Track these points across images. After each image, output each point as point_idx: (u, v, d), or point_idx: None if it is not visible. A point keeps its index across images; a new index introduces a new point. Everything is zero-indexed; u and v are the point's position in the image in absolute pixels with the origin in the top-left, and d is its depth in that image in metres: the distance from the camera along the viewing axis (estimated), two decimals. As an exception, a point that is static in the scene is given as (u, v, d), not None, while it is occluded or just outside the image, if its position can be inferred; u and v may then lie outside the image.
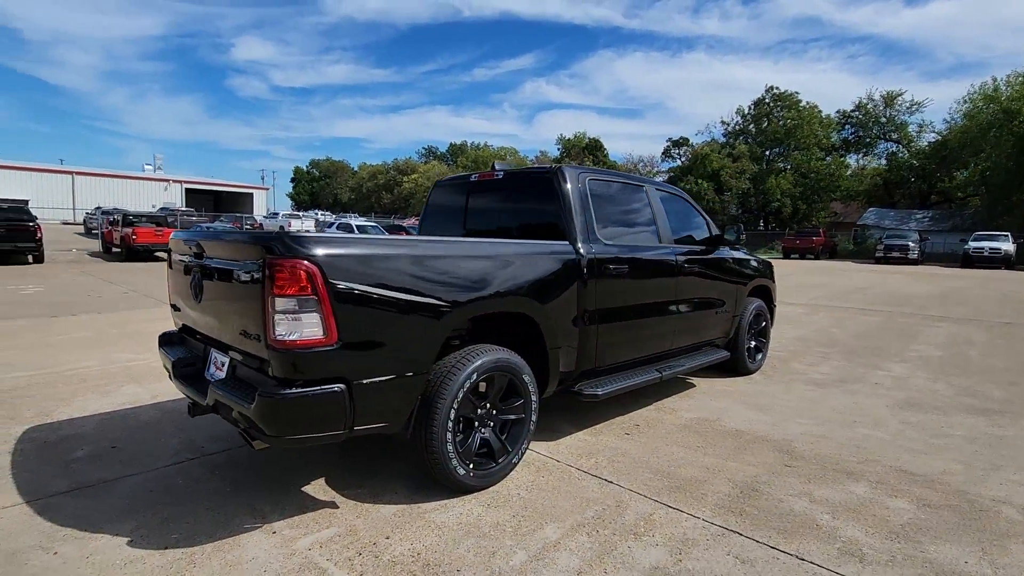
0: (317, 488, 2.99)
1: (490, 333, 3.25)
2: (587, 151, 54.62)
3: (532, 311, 3.18)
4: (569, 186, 3.64)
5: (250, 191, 57.18)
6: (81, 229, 32.93)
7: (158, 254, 19.86)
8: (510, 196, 4.08)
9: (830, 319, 9.30)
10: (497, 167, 4.09)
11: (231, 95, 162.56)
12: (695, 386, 5.10)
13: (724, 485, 3.11)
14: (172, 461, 3.28)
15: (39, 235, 17.67)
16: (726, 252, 5.06)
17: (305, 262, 2.26)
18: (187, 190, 51.84)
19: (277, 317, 2.25)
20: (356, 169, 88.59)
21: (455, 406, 2.75)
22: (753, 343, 5.60)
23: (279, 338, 2.26)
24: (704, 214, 5.04)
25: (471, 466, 2.90)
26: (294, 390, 2.28)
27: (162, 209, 37.30)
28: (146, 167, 57.83)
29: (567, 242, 3.52)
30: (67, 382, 4.80)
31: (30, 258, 17.67)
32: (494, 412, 3.06)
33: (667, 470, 3.29)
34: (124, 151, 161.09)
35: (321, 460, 3.34)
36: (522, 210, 3.97)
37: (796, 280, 17.10)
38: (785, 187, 41.71)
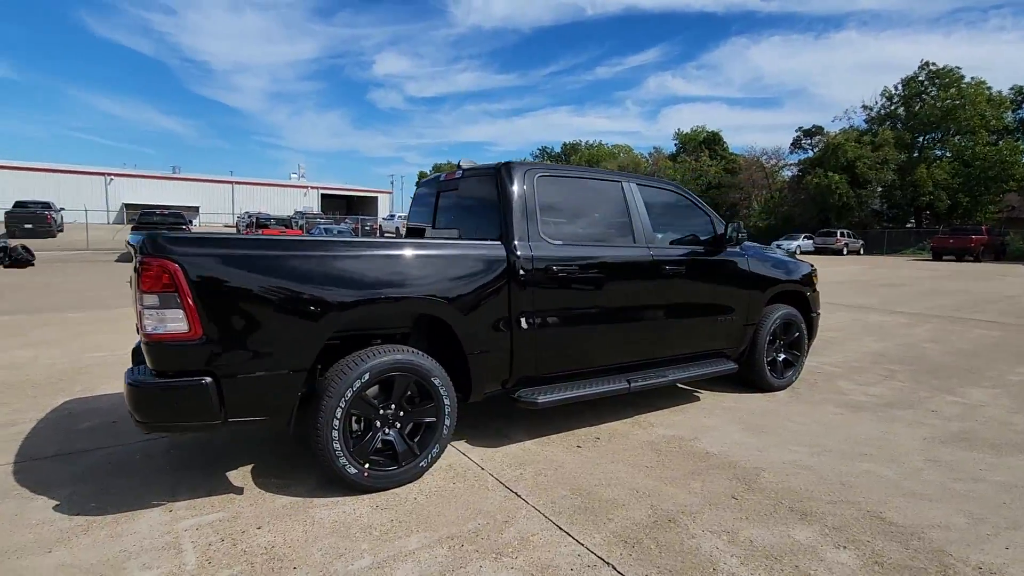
0: (239, 475, 3.18)
1: (413, 335, 3.24)
2: (704, 144, 51.59)
3: (445, 314, 3.11)
4: (513, 185, 3.50)
5: (376, 195, 61.91)
6: (235, 231, 37.95)
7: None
8: (466, 195, 4.02)
9: (933, 332, 7.91)
10: (463, 165, 4.04)
11: (371, 107, 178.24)
12: (698, 400, 4.64)
13: (641, 512, 2.80)
14: (144, 439, 3.67)
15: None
16: (734, 253, 4.53)
17: (167, 261, 2.43)
18: (323, 195, 57.48)
19: (145, 312, 2.44)
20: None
21: (342, 405, 2.78)
22: (781, 356, 4.95)
23: (148, 332, 2.45)
24: (711, 212, 4.55)
25: (366, 466, 2.90)
26: (157, 380, 2.46)
27: (297, 213, 41.78)
28: (291, 175, 64.94)
29: (500, 243, 3.38)
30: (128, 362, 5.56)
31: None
32: (401, 414, 3.04)
33: (590, 489, 3.04)
34: (282, 162, 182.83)
35: (265, 449, 3.54)
36: (474, 208, 3.89)
37: (928, 286, 14.78)
38: (940, 177, 36.06)
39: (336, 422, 2.77)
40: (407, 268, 3.01)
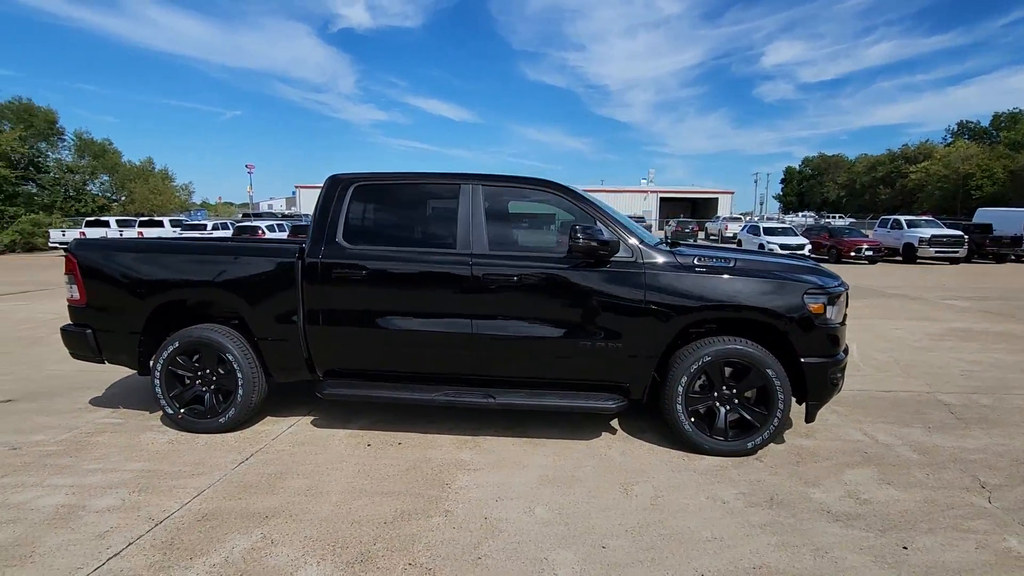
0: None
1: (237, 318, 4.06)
2: None
3: (236, 304, 3.84)
4: (324, 192, 3.90)
5: (716, 196, 59.53)
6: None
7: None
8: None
9: None
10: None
11: (756, 103, 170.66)
12: (590, 440, 3.85)
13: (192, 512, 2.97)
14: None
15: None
16: (630, 264, 3.57)
17: (70, 254, 3.99)
18: (662, 199, 58.76)
19: (65, 286, 4.08)
20: (854, 162, 77.46)
21: (162, 362, 3.87)
22: (723, 410, 3.58)
23: (67, 298, 4.09)
24: (604, 216, 3.70)
25: (182, 410, 3.92)
26: (66, 327, 4.07)
27: (633, 217, 43.98)
28: (642, 181, 68.63)
29: (298, 245, 3.85)
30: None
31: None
32: (212, 377, 3.93)
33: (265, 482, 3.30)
34: (666, 168, 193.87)
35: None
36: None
37: None
38: None
39: (157, 374, 3.89)
40: (214, 265, 3.87)
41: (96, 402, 4.60)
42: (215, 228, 26.80)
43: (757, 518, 2.85)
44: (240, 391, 3.87)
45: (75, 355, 4.18)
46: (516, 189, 3.92)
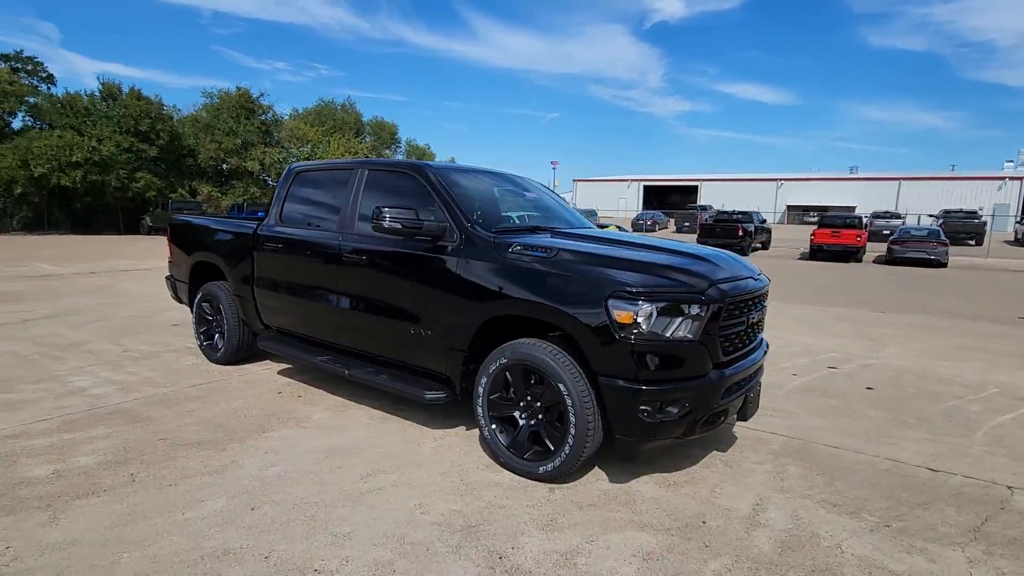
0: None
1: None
2: None
3: (221, 266, 4.94)
4: (282, 179, 4.69)
5: None
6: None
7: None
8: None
9: None
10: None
11: None
12: (437, 429, 3.77)
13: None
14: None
15: (741, 233, 22.71)
16: (454, 250, 3.37)
17: (170, 227, 5.71)
18: (1035, 188, 42.96)
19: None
20: None
21: (195, 306, 5.30)
22: (525, 423, 3.10)
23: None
24: (445, 200, 3.53)
25: (205, 343, 5.29)
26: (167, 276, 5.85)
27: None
28: (1006, 164, 51.96)
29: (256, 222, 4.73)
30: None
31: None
32: (217, 320, 5.17)
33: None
34: None
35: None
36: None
37: None
38: None
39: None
40: (210, 235, 5.07)
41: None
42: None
43: (442, 546, 2.52)
44: (225, 336, 5.01)
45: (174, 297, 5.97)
46: (391, 173, 4.03)
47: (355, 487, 2.95)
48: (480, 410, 3.24)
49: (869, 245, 22.48)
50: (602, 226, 24.30)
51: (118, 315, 7.37)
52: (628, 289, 2.73)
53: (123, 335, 6.25)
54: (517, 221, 4.01)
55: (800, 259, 21.72)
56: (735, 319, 2.98)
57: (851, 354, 6.18)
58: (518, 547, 2.45)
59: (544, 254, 3.10)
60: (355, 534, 2.52)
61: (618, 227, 25.05)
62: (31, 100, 28.71)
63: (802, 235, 27.72)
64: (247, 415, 3.94)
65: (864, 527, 2.68)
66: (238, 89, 33.02)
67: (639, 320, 2.68)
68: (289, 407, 4.12)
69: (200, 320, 5.29)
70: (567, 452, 2.90)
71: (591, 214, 33.71)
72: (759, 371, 3.40)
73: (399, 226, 3.37)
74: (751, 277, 3.22)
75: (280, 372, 4.99)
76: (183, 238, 5.48)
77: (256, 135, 32.97)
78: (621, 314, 2.70)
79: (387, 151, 45.27)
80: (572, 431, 2.86)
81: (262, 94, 34.04)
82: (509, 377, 3.11)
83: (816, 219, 28.66)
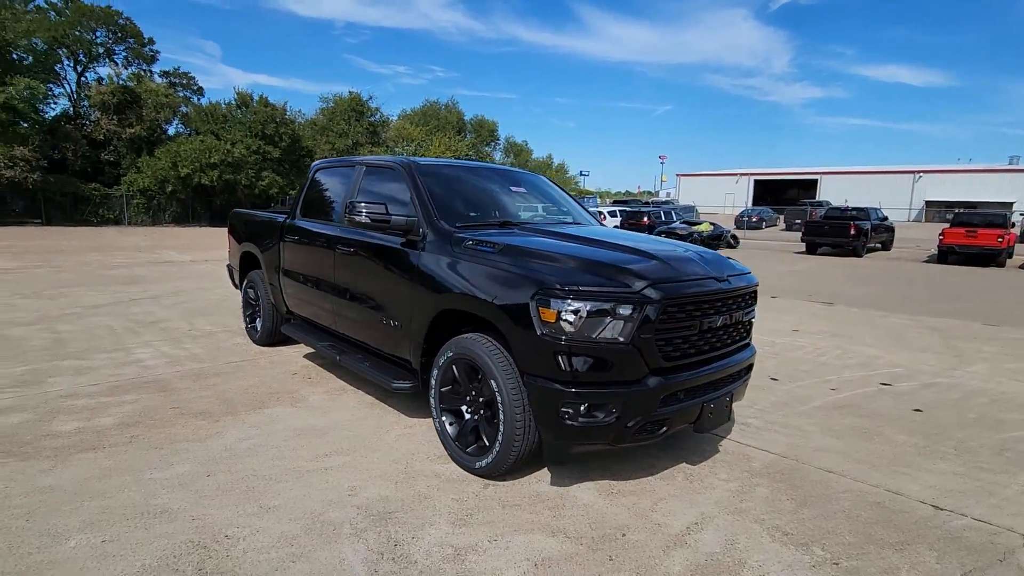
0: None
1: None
2: None
3: (257, 255, 5.41)
4: (308, 174, 5.05)
5: None
6: None
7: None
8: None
9: None
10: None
11: None
12: (415, 418, 3.89)
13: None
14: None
15: (853, 231, 20.52)
16: (410, 244, 3.46)
17: (229, 227, 6.37)
18: None
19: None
20: None
21: (243, 288, 5.87)
22: (470, 416, 3.11)
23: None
24: (416, 195, 3.62)
25: (249, 325, 5.85)
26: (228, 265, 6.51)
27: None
28: None
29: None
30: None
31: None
32: (256, 303, 5.69)
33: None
34: None
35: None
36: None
37: None
38: None
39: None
40: (253, 227, 5.56)
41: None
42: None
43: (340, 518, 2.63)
44: (260, 317, 5.50)
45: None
46: (383, 169, 4.16)
47: (306, 465, 3.15)
48: (433, 402, 3.30)
49: (1019, 247, 19.28)
50: (694, 223, 23.14)
51: (205, 298, 8.33)
52: (554, 287, 2.63)
53: (198, 316, 7.07)
54: (498, 217, 3.97)
55: (926, 261, 19.14)
56: (680, 322, 2.76)
57: (921, 370, 5.40)
58: (418, 537, 2.49)
59: (489, 249, 3.08)
60: (280, 507, 2.70)
61: (712, 224, 23.67)
62: (183, 110, 33.09)
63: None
64: (255, 392, 4.31)
65: (806, 562, 2.37)
66: (350, 93, 35.56)
67: (563, 319, 2.59)
68: (293, 388, 4.45)
69: (246, 304, 5.85)
70: (497, 450, 2.87)
71: (688, 210, 32.14)
72: (731, 380, 3.12)
73: (368, 220, 3.50)
74: (712, 278, 2.95)
75: (305, 356, 5.38)
76: (236, 230, 6.07)
77: (364, 136, 35.29)
78: (545, 312, 2.62)
79: (486, 148, 46.41)
80: (502, 429, 2.82)
81: (371, 97, 36.40)
82: (455, 371, 3.13)
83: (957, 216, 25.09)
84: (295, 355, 5.37)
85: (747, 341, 3.34)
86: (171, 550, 2.34)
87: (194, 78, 35.55)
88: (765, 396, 4.52)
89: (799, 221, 33.01)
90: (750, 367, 3.35)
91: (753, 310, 3.34)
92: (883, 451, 3.53)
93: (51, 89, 29.97)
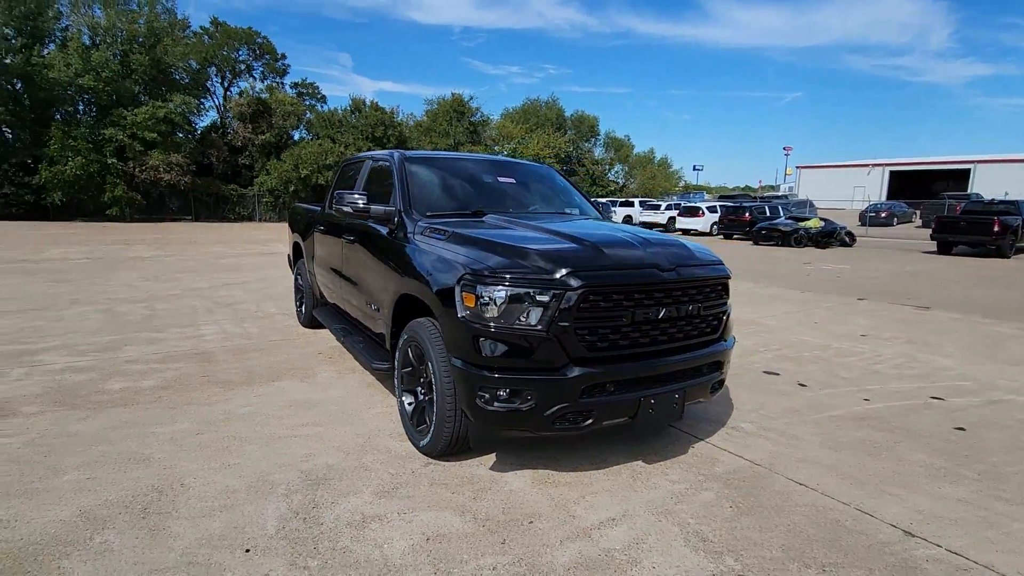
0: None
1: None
2: None
3: (300, 243, 5.93)
4: (339, 167, 5.45)
5: None
6: None
7: None
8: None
9: None
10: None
11: None
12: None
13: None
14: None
15: (998, 228, 17.74)
16: (391, 233, 3.65)
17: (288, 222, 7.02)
18: None
19: (293, 230, 7.20)
20: None
21: (296, 273, 6.48)
22: (424, 396, 3.24)
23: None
24: (398, 186, 3.81)
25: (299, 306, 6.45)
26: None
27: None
28: None
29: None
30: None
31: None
32: (301, 292, 6.25)
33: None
34: None
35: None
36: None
37: None
38: None
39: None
40: (300, 218, 6.09)
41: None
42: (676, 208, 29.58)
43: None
44: (304, 301, 6.04)
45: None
46: (382, 162, 4.39)
47: (280, 432, 3.46)
48: (396, 381, 3.47)
49: None
50: (801, 219, 21.18)
51: (283, 284, 9.22)
52: (477, 272, 2.68)
53: (267, 300, 7.87)
54: (478, 207, 4.02)
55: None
56: (607, 312, 2.66)
57: (996, 386, 4.63)
58: (337, 503, 2.67)
59: (440, 237, 3.18)
60: (238, 465, 3.02)
61: (823, 220, 21.55)
62: (307, 116, 36.49)
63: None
64: (277, 367, 4.77)
65: (708, 570, 2.21)
66: (452, 95, 36.99)
67: (482, 303, 2.63)
68: (311, 365, 4.85)
69: (296, 290, 6.43)
70: (432, 430, 2.97)
71: (802, 205, 29.51)
72: (683, 376, 2.94)
73: (350, 210, 3.75)
74: (651, 266, 2.80)
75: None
76: (291, 223, 6.69)
77: (464, 135, 36.55)
78: (468, 296, 2.68)
79: (586, 143, 45.94)
80: (435, 410, 2.92)
81: (471, 97, 37.58)
82: (410, 353, 3.27)
83: None
84: (330, 337, 5.82)
85: (714, 336, 3.12)
86: (134, 491, 2.73)
87: (318, 87, 39.03)
88: (778, 402, 4.15)
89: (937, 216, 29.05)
90: (716, 364, 3.12)
91: (722, 303, 3.12)
92: (883, 469, 3.13)
93: (202, 103, 34.60)
